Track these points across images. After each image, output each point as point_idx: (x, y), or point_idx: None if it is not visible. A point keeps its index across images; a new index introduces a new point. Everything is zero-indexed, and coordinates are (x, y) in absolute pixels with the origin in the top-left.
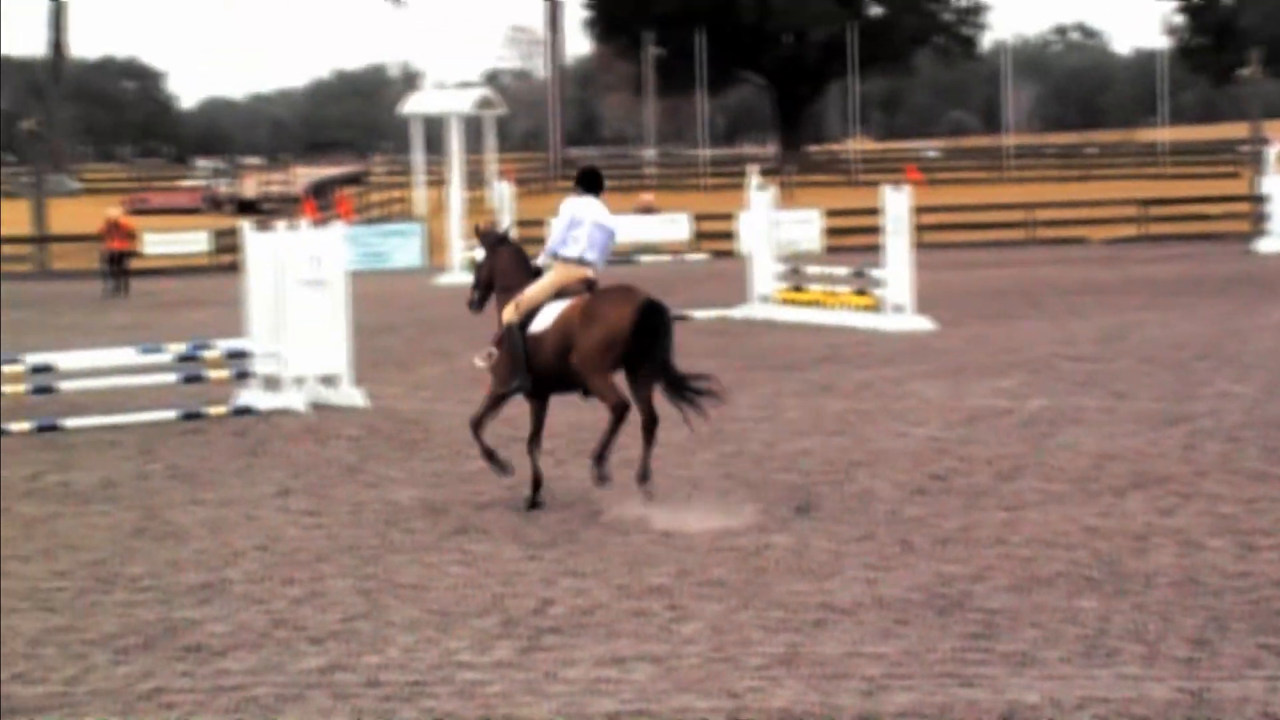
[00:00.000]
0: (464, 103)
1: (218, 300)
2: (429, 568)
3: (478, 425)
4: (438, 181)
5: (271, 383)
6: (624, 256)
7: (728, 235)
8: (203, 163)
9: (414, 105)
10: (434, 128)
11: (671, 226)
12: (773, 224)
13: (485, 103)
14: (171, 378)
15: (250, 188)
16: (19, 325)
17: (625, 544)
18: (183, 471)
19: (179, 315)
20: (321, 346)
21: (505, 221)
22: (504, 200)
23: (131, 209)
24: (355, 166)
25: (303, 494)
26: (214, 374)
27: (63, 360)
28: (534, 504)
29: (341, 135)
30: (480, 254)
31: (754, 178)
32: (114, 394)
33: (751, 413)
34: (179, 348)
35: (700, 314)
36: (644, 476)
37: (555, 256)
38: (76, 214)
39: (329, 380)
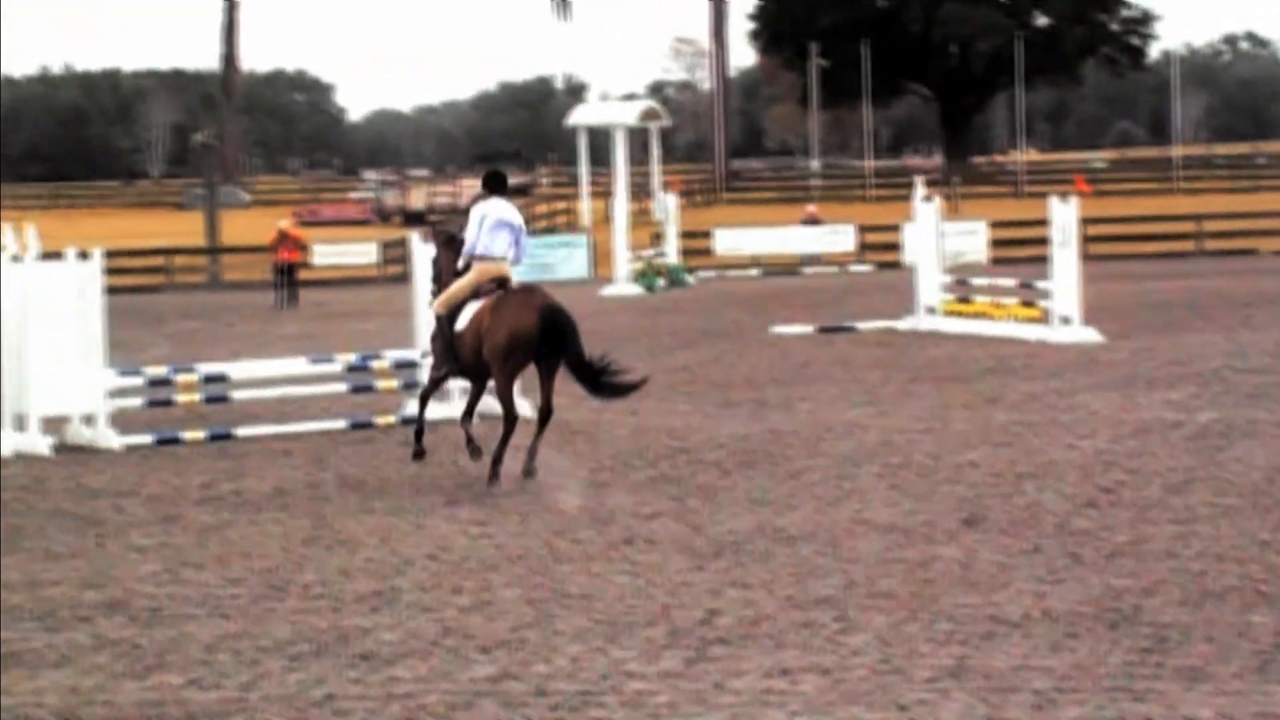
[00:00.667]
0: (629, 114)
1: (386, 311)
2: (596, 577)
3: (423, 399)
4: (603, 193)
5: (440, 393)
6: (788, 268)
7: (893, 246)
8: (370, 174)
9: (579, 117)
10: (599, 139)
11: (836, 237)
12: (938, 235)
13: (650, 114)
14: (341, 388)
15: (417, 199)
16: (192, 335)
17: (792, 555)
18: (352, 480)
19: (348, 326)
20: None
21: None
22: (668, 212)
23: (301, 220)
24: (521, 178)
25: (470, 503)
26: (382, 384)
27: (235, 370)
28: (474, 453)
29: (507, 147)
30: (433, 251)
31: (919, 189)
32: (285, 404)
33: (918, 424)
34: (348, 358)
35: (865, 325)
36: (530, 462)
37: (473, 257)
38: (248, 226)
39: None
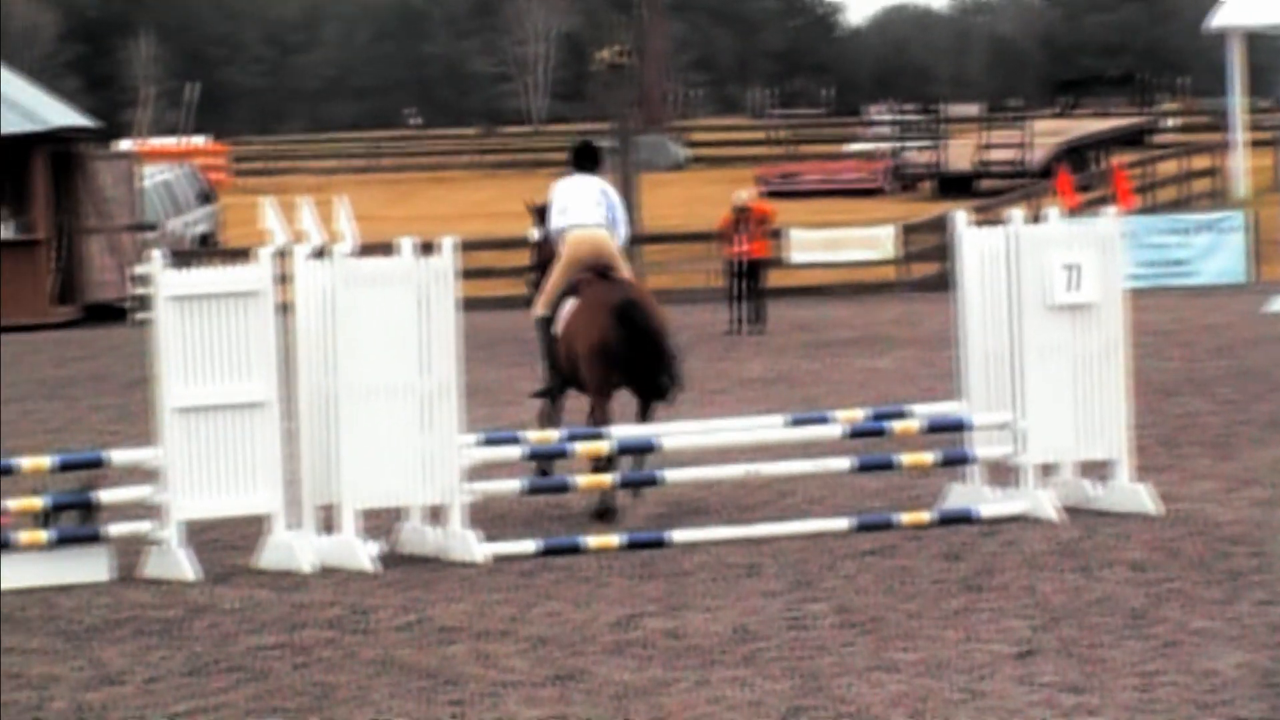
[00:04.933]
0: None
1: (912, 337)
2: None
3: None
4: (1270, 143)
5: (1002, 472)
6: None
7: None
8: (881, 113)
9: (1231, 15)
10: (1264, 53)
11: None
12: None
13: None
14: (840, 464)
15: (961, 154)
16: None
17: None
18: (860, 615)
19: (849, 363)
20: (1083, 414)
21: None
22: None
23: (770, 190)
24: (1131, 118)
25: (1058, 656)
26: (908, 459)
27: (669, 436)
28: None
29: (1107, 67)
30: (535, 233)
31: None
32: (749, 490)
33: None
34: (850, 415)
35: None
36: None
37: (557, 234)
38: (681, 198)
39: (1097, 469)
